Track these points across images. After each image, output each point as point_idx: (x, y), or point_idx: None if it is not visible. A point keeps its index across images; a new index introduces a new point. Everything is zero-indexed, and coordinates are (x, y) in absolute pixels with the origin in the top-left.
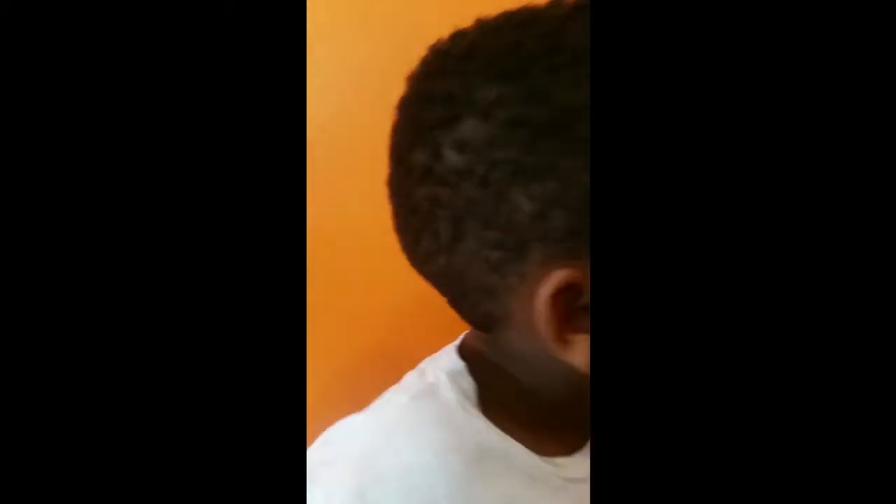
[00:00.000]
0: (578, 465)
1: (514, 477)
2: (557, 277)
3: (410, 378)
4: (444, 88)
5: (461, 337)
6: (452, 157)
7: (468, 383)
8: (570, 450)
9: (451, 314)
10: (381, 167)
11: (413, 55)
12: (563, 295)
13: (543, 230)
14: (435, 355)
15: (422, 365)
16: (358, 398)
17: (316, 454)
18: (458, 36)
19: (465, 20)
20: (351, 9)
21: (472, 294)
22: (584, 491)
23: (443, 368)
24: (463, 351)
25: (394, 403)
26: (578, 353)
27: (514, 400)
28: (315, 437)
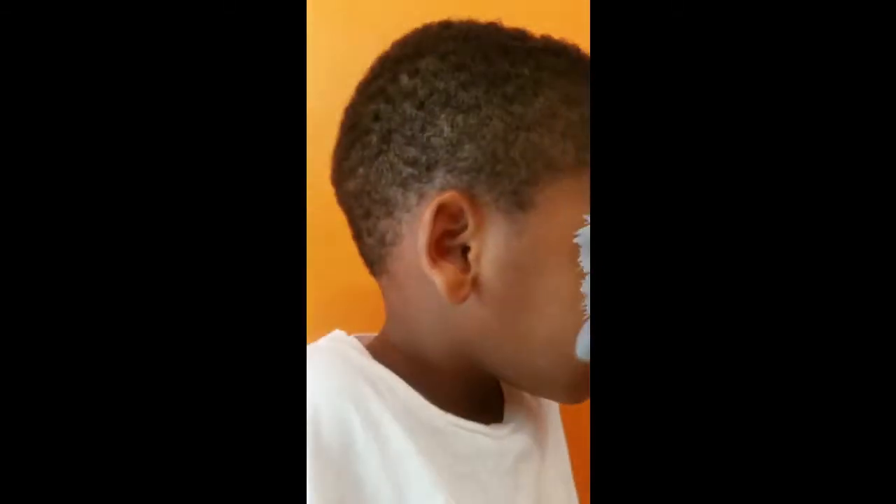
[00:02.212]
0: (498, 431)
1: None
2: (446, 195)
3: None
4: (416, 42)
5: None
6: (404, 80)
7: (352, 340)
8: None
9: None
10: None
11: None
12: (446, 217)
13: (453, 158)
14: None
15: None
16: None
17: None
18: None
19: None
20: (350, 5)
21: (375, 210)
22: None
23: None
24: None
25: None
26: (442, 276)
27: (405, 364)
28: None
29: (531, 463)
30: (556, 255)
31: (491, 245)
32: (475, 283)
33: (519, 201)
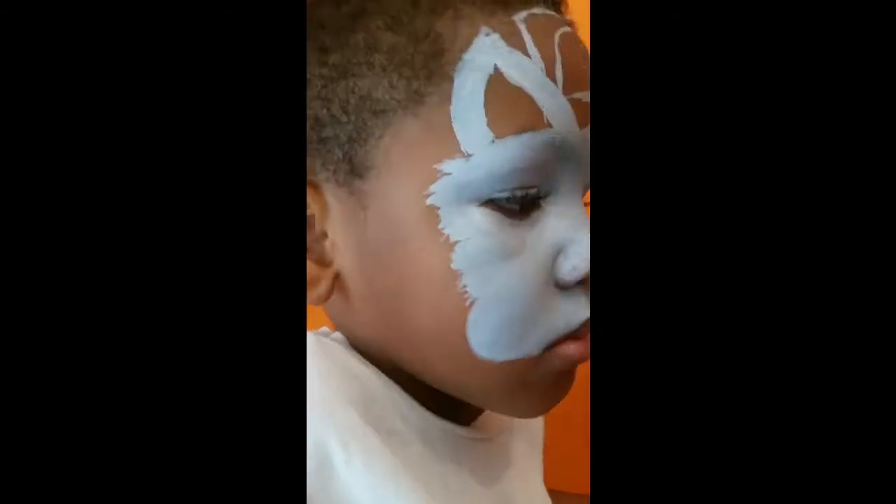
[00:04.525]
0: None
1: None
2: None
3: None
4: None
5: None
6: None
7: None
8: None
9: None
10: None
11: None
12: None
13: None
14: None
15: None
16: None
17: None
18: None
19: None
20: None
21: None
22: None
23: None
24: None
25: None
26: (313, 287)
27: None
28: None
29: (507, 469)
30: (410, 224)
31: (341, 228)
32: (339, 278)
33: (353, 167)
